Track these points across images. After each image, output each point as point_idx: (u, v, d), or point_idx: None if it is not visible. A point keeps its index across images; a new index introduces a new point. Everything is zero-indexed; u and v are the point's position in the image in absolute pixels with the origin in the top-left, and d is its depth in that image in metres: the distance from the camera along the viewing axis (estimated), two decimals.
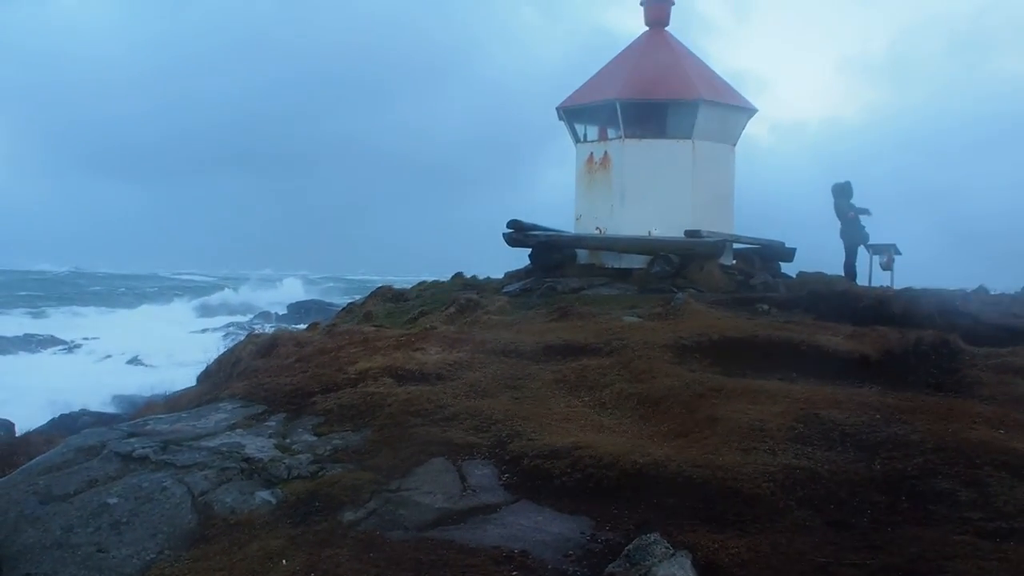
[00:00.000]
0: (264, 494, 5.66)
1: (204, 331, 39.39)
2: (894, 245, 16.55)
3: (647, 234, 15.82)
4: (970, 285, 14.30)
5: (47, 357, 32.68)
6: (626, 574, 4.41)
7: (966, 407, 6.64)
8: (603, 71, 17.71)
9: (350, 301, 21.08)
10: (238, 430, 6.80)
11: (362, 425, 6.77)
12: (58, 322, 42.09)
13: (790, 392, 7.02)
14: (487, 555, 4.77)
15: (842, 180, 16.81)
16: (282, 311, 45.63)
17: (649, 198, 16.08)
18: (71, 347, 34.69)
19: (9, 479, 6.02)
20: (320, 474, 5.92)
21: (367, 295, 18.20)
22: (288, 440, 6.62)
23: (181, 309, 51.62)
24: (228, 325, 41.05)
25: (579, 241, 16.69)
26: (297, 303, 48.99)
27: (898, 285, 15.21)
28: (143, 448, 6.20)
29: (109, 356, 32.19)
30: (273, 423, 7.02)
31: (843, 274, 16.51)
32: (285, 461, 6.11)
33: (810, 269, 17.67)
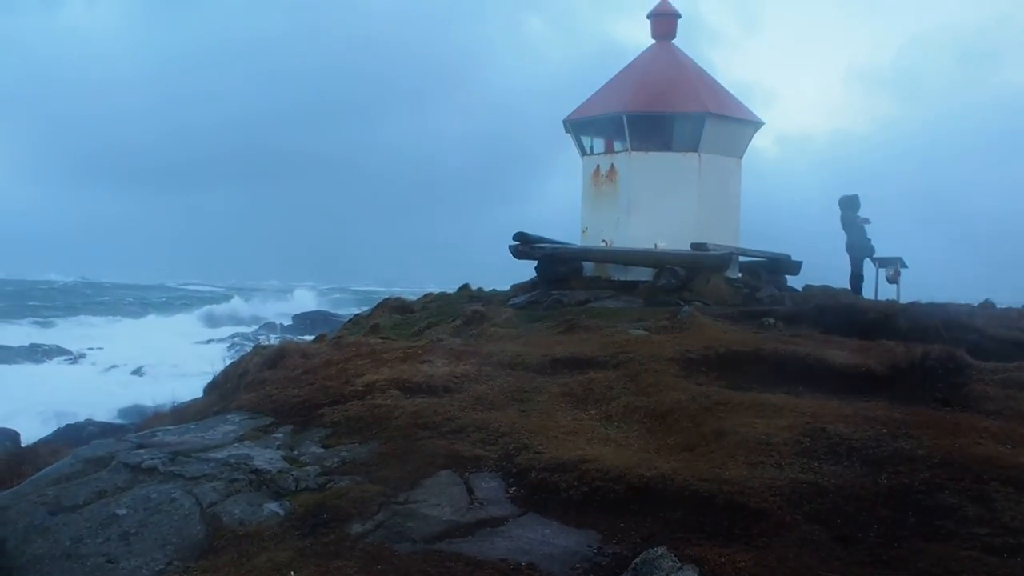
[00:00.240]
0: (272, 506, 5.68)
1: (209, 342, 39.46)
2: (900, 258, 16.53)
3: (653, 247, 15.83)
4: (977, 297, 14.28)
5: (52, 367, 32.78)
6: None
7: (972, 422, 6.64)
8: (610, 84, 17.77)
9: (356, 312, 21.09)
10: (246, 442, 6.83)
11: (370, 437, 6.80)
12: (64, 332, 42.24)
13: (797, 406, 7.03)
14: (495, 568, 4.78)
15: (850, 193, 16.83)
16: (287, 322, 45.69)
17: (655, 211, 16.10)
18: (76, 358, 34.79)
19: (18, 490, 6.05)
20: (328, 486, 5.94)
21: (373, 307, 18.23)
22: (296, 452, 6.65)
23: (187, 320, 51.77)
24: (233, 336, 41.15)
25: (585, 254, 16.71)
26: (302, 314, 49.11)
27: (904, 298, 15.19)
28: (152, 459, 6.23)
29: (115, 366, 32.26)
30: (281, 435, 7.05)
31: (849, 287, 16.50)
32: (293, 473, 6.13)
33: (816, 282, 17.67)
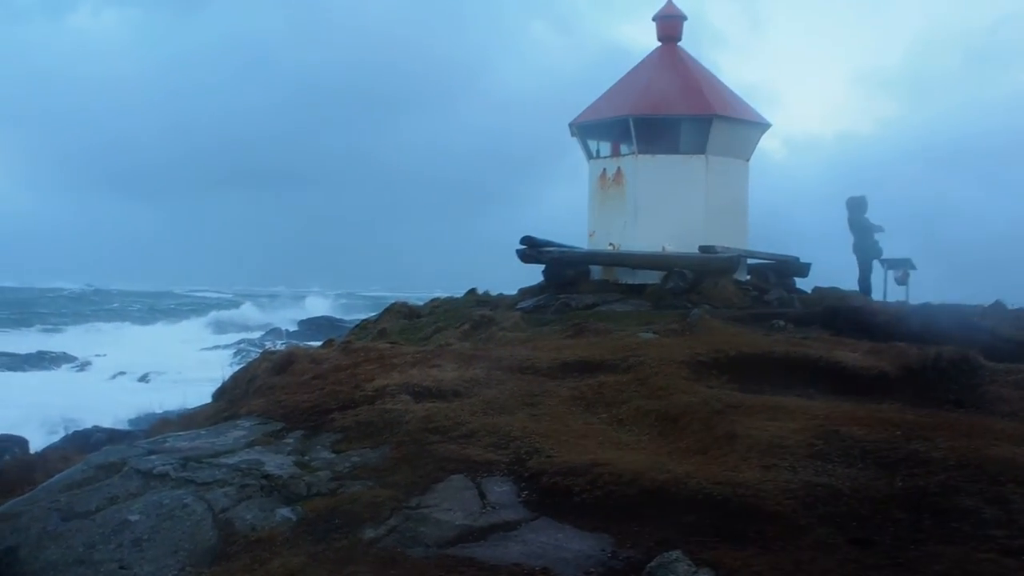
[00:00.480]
0: (284, 511, 5.67)
1: (215, 348, 39.50)
2: (909, 260, 16.51)
3: (661, 250, 15.81)
4: (987, 300, 14.20)
5: (60, 374, 32.82)
6: None
7: (988, 423, 6.60)
8: (616, 87, 17.76)
9: (363, 318, 21.08)
10: (257, 447, 6.82)
11: (380, 442, 6.78)
12: (72, 339, 42.29)
13: (809, 409, 7.00)
14: (508, 572, 4.77)
15: (857, 194, 16.80)
16: (293, 328, 45.72)
17: (662, 214, 16.07)
18: (83, 364, 34.84)
19: (31, 496, 6.06)
20: (340, 491, 5.93)
21: (381, 312, 18.22)
22: (307, 457, 6.64)
23: (194, 326, 51.81)
24: (239, 342, 41.12)
25: (593, 257, 16.69)
26: (308, 319, 49.16)
27: (913, 300, 15.15)
28: (163, 465, 6.23)
29: (122, 373, 32.29)
30: (291, 440, 7.04)
31: (858, 289, 16.47)
32: (305, 478, 6.12)
33: (825, 284, 17.57)
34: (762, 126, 17.40)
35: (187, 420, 9.43)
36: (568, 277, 16.25)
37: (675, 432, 6.89)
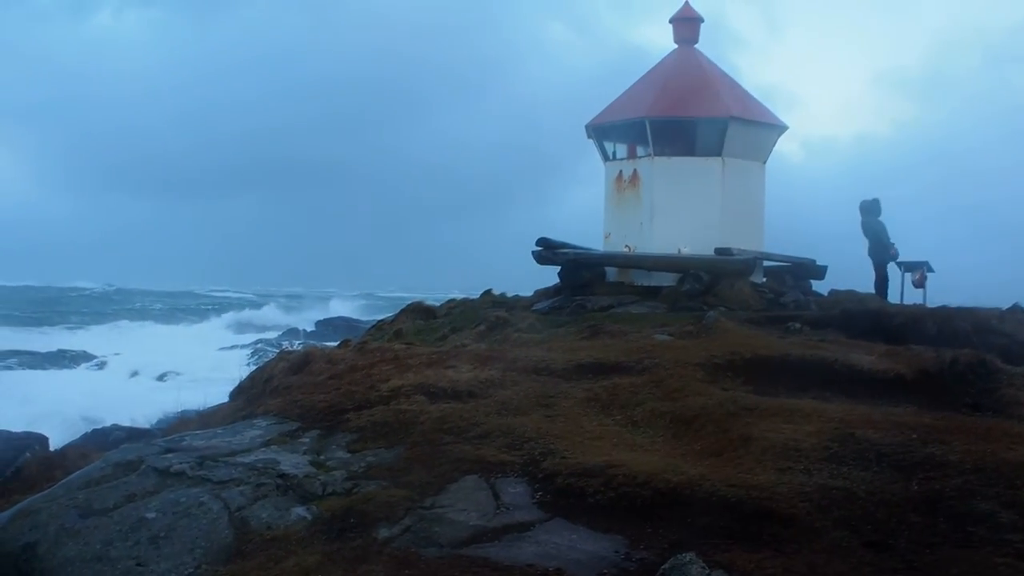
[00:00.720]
0: (300, 510, 5.71)
1: (233, 347, 39.69)
2: (927, 262, 16.38)
3: (677, 252, 15.77)
4: (1005, 302, 14.09)
5: (79, 372, 33.07)
6: None
7: (1004, 427, 6.56)
8: (632, 89, 17.73)
9: (380, 319, 21.12)
10: (273, 446, 6.86)
11: (395, 442, 6.81)
12: (91, 338, 42.59)
13: (824, 411, 6.97)
14: (522, 573, 4.78)
15: (870, 197, 16.70)
16: (310, 328, 45.89)
17: (678, 216, 16.03)
18: (102, 363, 35.10)
19: (50, 492, 6.13)
20: (355, 491, 5.96)
21: (397, 312, 18.26)
22: (322, 457, 6.68)
23: (212, 326, 52.13)
24: (256, 342, 41.30)
25: (608, 259, 16.67)
26: (325, 320, 49.35)
27: (931, 303, 15.04)
28: (180, 463, 6.28)
29: (139, 372, 32.52)
30: (307, 440, 7.08)
31: (875, 291, 16.35)
32: (320, 477, 6.16)
33: (842, 287, 17.45)
34: (779, 128, 17.33)
35: (205, 419, 9.49)
36: (584, 279, 16.24)
37: (690, 434, 6.88)
